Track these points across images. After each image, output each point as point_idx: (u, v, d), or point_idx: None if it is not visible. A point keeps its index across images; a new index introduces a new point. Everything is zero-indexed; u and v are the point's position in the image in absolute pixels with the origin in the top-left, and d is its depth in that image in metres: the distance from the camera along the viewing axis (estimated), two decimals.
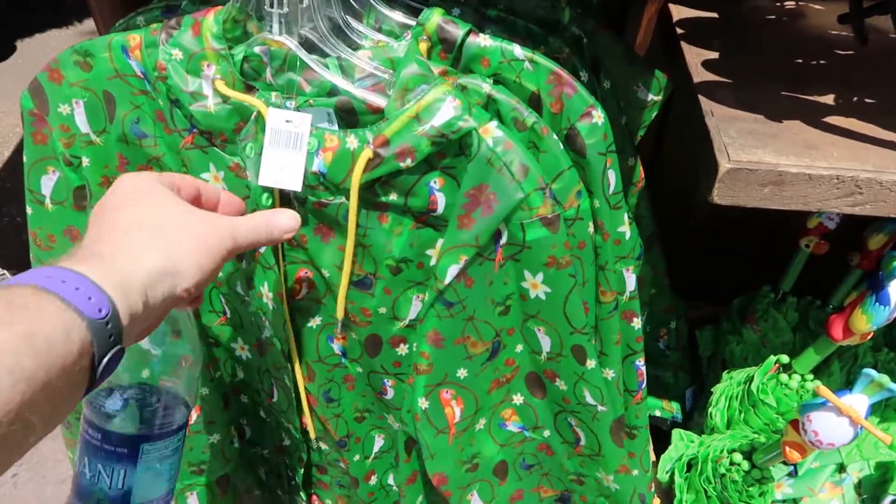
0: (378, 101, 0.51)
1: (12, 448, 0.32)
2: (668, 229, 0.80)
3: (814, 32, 0.75)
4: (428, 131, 0.50)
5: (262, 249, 0.58)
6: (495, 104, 0.52)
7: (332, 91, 0.52)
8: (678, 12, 0.77)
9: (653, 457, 0.86)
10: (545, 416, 0.65)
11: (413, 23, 0.52)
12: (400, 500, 0.72)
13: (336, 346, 0.63)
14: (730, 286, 1.01)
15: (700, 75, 0.65)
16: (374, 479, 0.74)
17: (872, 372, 0.61)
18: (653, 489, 0.78)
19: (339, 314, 0.58)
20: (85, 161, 0.58)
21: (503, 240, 0.54)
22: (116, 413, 0.48)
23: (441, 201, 0.54)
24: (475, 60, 0.52)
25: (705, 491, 0.79)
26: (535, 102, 0.53)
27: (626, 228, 0.59)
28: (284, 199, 0.56)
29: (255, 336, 0.67)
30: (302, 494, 0.78)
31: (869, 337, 0.70)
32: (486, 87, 0.51)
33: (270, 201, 0.55)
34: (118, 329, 0.36)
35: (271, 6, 0.49)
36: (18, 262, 1.50)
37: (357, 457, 0.71)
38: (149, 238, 0.41)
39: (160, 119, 0.55)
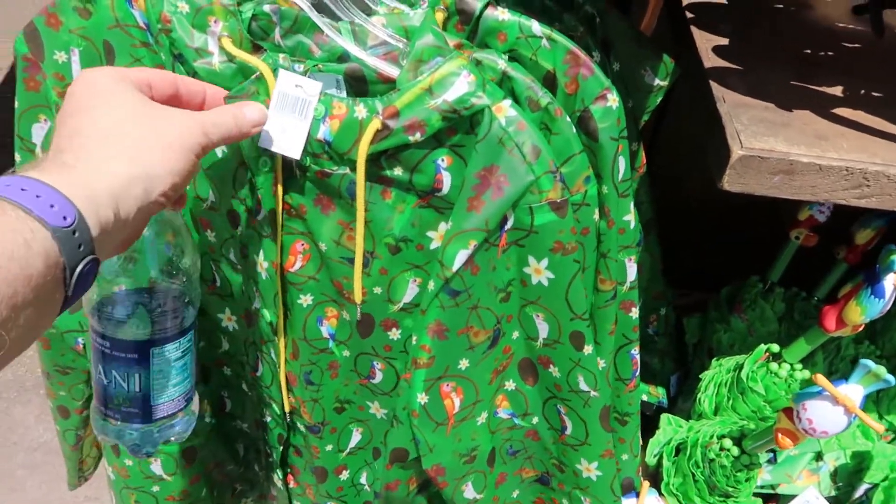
0: (390, 70, 0.49)
1: None
2: (659, 215, 0.80)
3: (822, 23, 0.74)
4: (440, 105, 0.48)
5: (259, 216, 0.56)
6: (510, 82, 0.50)
7: (343, 57, 0.50)
8: None
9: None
10: (535, 403, 0.65)
11: None
12: (374, 503, 0.71)
13: (325, 329, 0.62)
14: (717, 274, 1.01)
15: (711, 60, 0.64)
16: (345, 475, 0.73)
17: (870, 363, 0.62)
18: (640, 473, 0.79)
19: (357, 298, 0.57)
20: None
21: (508, 224, 0.53)
22: (122, 320, 0.49)
23: (447, 181, 0.52)
24: (492, 34, 0.51)
25: (693, 475, 0.79)
26: (549, 82, 0.52)
27: (630, 217, 0.59)
28: (286, 166, 0.53)
29: (243, 307, 0.65)
30: (278, 472, 0.76)
31: (860, 329, 0.71)
32: (502, 63, 0.50)
33: (268, 166, 0.53)
34: (87, 238, 0.35)
35: None
36: None
37: (330, 447, 0.70)
38: (113, 144, 0.39)
39: None
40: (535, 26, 0.50)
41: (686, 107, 0.68)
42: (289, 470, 0.77)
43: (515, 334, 0.60)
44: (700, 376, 0.88)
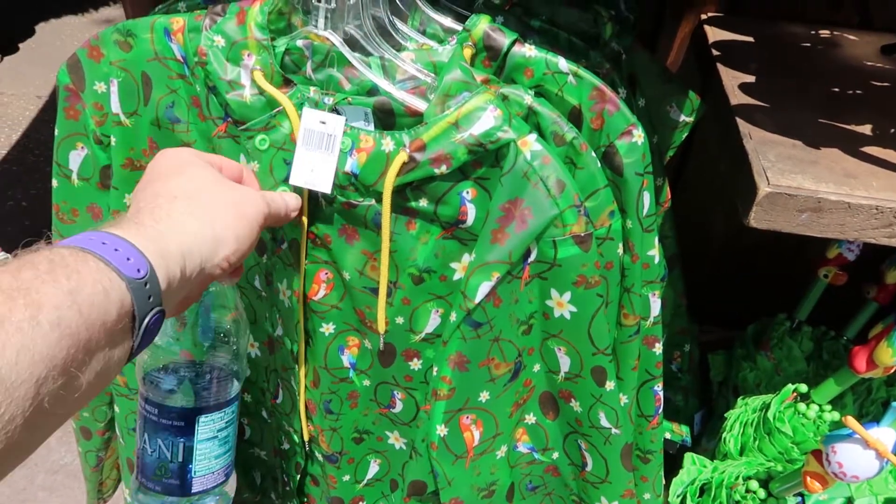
0: (418, 104, 0.50)
1: (59, 405, 0.32)
2: (684, 251, 0.80)
3: (849, 62, 0.74)
4: (466, 139, 0.49)
5: (284, 245, 0.57)
6: (536, 116, 0.51)
7: (372, 90, 0.51)
8: (713, 34, 0.76)
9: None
10: (555, 438, 0.64)
11: (459, 28, 0.52)
12: None
13: (346, 358, 0.62)
14: (741, 311, 1.00)
15: (737, 97, 0.65)
16: None
17: None
18: None
19: (381, 327, 0.57)
20: (113, 140, 0.58)
21: (532, 257, 0.53)
22: (172, 388, 0.51)
23: (471, 213, 0.53)
24: (519, 70, 0.51)
25: None
26: (575, 117, 0.52)
27: (655, 252, 0.58)
28: (312, 197, 0.54)
29: (266, 333, 0.66)
30: (295, 501, 0.76)
31: (892, 371, 0.69)
32: (528, 98, 0.50)
33: None
34: (157, 291, 0.37)
35: (318, 0, 0.48)
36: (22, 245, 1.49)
37: (347, 477, 0.69)
38: (189, 206, 0.42)
39: (195, 105, 0.55)
40: (562, 63, 0.51)
41: (712, 143, 0.69)
42: (305, 499, 0.76)
43: (537, 367, 0.60)
44: (725, 415, 0.86)
